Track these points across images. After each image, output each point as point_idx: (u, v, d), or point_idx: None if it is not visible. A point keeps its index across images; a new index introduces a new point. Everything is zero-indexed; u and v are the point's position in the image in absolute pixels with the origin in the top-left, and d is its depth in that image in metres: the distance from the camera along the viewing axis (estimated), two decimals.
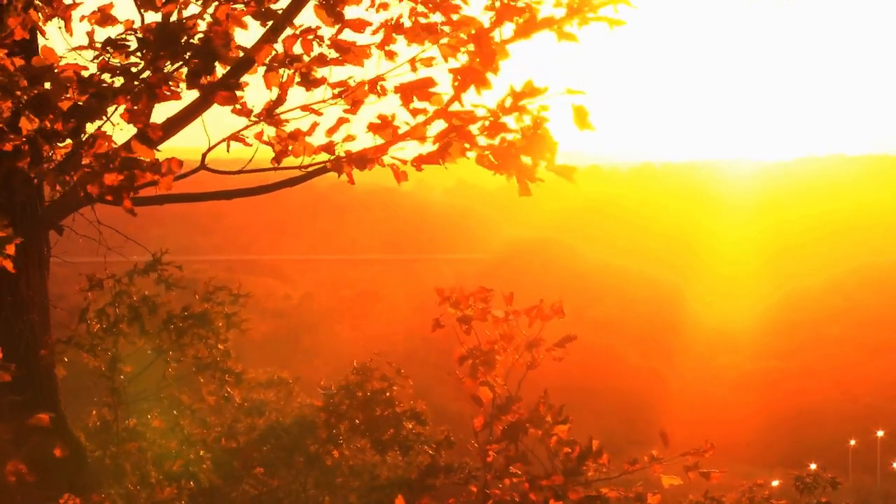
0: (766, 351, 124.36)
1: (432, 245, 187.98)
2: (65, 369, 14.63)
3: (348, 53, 10.49)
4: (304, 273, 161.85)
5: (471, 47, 10.59)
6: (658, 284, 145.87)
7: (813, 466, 22.75)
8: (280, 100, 10.71)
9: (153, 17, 10.11)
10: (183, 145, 11.65)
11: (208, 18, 9.81)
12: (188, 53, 9.64)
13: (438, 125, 10.75)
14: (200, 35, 9.76)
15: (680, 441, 11.06)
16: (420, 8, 10.71)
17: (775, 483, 47.60)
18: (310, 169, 11.24)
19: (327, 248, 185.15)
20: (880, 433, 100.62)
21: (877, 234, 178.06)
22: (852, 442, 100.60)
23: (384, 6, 10.79)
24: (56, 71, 9.16)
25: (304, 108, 10.79)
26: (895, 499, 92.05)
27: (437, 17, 10.70)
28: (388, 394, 23.38)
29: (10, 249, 8.47)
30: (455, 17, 10.67)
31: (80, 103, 9.27)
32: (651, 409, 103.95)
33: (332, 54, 10.50)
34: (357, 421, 23.18)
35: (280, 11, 10.47)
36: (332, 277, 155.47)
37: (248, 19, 10.02)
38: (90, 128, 9.52)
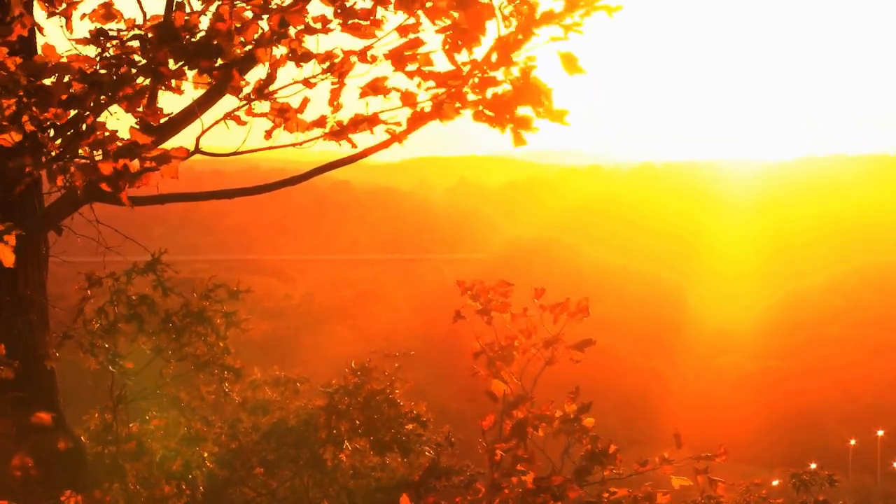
0: (766, 351, 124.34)
1: (433, 245, 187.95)
2: (58, 362, 14.62)
3: (359, 30, 10.52)
4: (305, 273, 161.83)
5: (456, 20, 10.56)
6: (659, 284, 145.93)
7: (813, 466, 22.69)
8: (270, 78, 10.68)
9: (155, 11, 10.12)
10: (178, 144, 11.61)
11: (210, 15, 9.80)
12: (190, 50, 9.64)
13: (428, 87, 10.73)
14: (202, 33, 9.75)
15: (681, 441, 11.02)
16: None
17: (775, 483, 47.59)
18: (304, 144, 11.20)
19: (328, 248, 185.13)
20: (880, 433, 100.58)
21: (877, 234, 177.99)
22: (852, 442, 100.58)
23: None
24: (58, 65, 9.15)
25: (296, 81, 10.77)
26: (895, 499, 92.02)
27: None
28: (388, 394, 23.25)
29: (12, 240, 8.44)
30: None
31: (79, 95, 9.27)
32: (651, 408, 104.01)
33: (318, 25, 10.50)
34: (357, 422, 23.06)
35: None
36: (333, 277, 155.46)
37: (250, 14, 10.01)
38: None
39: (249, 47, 10.20)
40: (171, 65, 9.60)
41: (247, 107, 10.85)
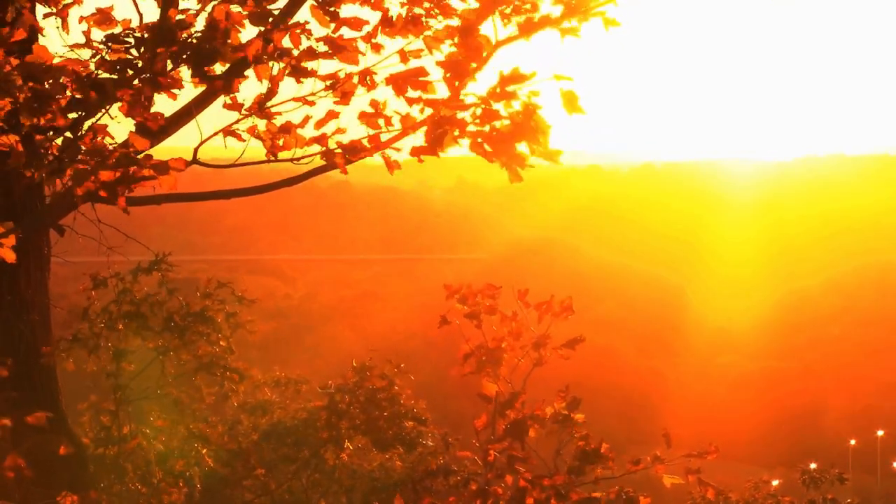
0: (766, 351, 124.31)
1: (432, 245, 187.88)
2: (73, 363, 14.66)
3: (343, 52, 10.46)
4: (305, 273, 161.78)
5: (457, 40, 10.54)
6: (659, 284, 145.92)
7: (813, 466, 22.76)
8: (271, 93, 10.64)
9: (151, 17, 10.12)
10: (175, 145, 11.61)
11: (205, 16, 9.79)
12: (187, 52, 9.63)
13: (428, 114, 10.69)
14: (198, 34, 9.74)
15: (680, 440, 11.06)
16: (417, 9, 10.66)
17: (775, 483, 47.59)
18: (302, 160, 11.17)
19: (328, 248, 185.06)
20: (880, 433, 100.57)
21: (877, 234, 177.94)
22: (852, 442, 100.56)
23: (377, 4, 10.71)
24: (54, 68, 9.15)
25: (297, 99, 10.74)
26: (895, 499, 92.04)
27: (421, 10, 10.64)
28: (387, 393, 23.27)
29: (11, 241, 8.44)
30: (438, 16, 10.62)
31: (79, 97, 9.26)
32: (652, 408, 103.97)
33: (322, 48, 10.45)
34: (357, 421, 23.08)
35: (277, 12, 10.42)
36: (333, 277, 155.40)
37: (245, 21, 9.99)
38: (87, 125, 9.52)
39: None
40: (168, 65, 9.58)
41: (246, 123, 10.82)
